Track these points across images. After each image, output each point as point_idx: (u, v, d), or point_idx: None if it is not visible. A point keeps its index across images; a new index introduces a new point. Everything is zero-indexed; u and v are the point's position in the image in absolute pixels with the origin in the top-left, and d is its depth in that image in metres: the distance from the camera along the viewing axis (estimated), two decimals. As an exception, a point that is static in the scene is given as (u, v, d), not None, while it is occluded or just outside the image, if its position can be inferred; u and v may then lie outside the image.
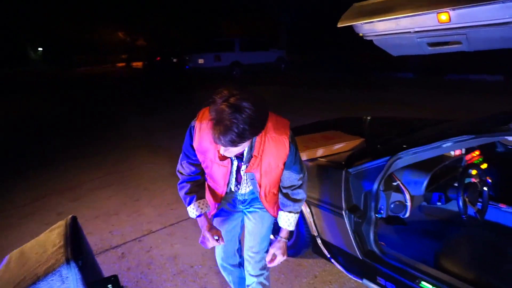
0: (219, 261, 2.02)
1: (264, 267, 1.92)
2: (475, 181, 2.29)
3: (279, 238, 1.77)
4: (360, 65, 16.35)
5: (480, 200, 2.28)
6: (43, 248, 1.02)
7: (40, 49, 36.25)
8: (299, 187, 1.72)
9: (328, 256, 2.37)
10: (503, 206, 2.49)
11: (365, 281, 2.16)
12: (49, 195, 4.28)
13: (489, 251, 2.12)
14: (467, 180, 2.24)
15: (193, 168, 1.73)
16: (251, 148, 1.55)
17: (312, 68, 17.96)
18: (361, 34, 1.91)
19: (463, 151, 2.38)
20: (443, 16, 1.50)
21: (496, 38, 1.51)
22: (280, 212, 1.77)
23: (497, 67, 11.24)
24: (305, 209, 2.42)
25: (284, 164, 1.61)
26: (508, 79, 10.59)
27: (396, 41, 1.79)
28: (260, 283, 1.92)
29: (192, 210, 1.70)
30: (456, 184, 2.25)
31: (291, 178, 1.68)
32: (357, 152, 2.32)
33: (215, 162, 1.63)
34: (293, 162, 1.63)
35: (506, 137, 2.15)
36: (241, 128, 1.24)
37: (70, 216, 1.14)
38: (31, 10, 26.90)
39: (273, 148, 1.55)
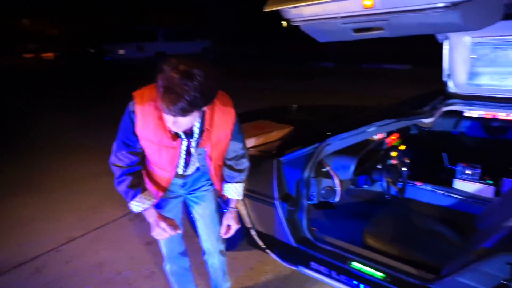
0: (167, 252, 1.94)
1: (222, 241, 2.02)
2: (395, 162, 2.43)
3: (230, 209, 1.80)
4: (286, 55, 16.81)
5: (400, 179, 2.44)
6: None
7: None
8: (243, 156, 1.74)
9: (263, 246, 2.35)
10: (419, 183, 2.70)
11: (300, 268, 2.17)
12: None
13: (409, 226, 2.27)
14: (389, 162, 2.37)
15: (133, 158, 1.58)
16: (202, 123, 1.53)
17: (241, 58, 18.01)
18: (288, 20, 1.88)
19: (385, 134, 2.51)
20: (367, 1, 1.51)
21: (415, 24, 1.57)
22: (228, 185, 1.78)
23: (406, 57, 12.38)
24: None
25: (232, 134, 1.63)
26: (416, 68, 11.68)
27: (322, 27, 1.79)
28: (221, 251, 2.04)
29: (138, 204, 1.57)
30: (379, 167, 2.37)
31: (235, 147, 1.69)
32: (287, 141, 2.32)
33: (164, 145, 1.55)
34: (237, 131, 1.65)
35: (421, 120, 2.30)
36: (192, 95, 1.21)
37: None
38: None
39: (221, 119, 1.56)
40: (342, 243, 2.11)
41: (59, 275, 2.52)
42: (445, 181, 2.68)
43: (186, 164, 1.71)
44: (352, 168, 2.21)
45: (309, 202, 2.18)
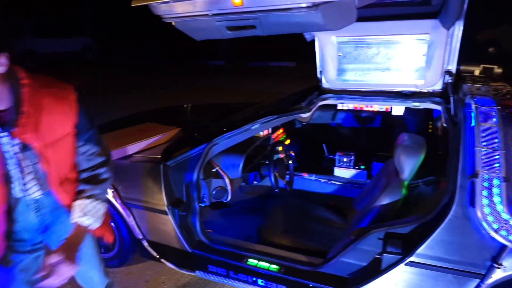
0: None
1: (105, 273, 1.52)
2: (282, 156, 2.54)
3: (63, 241, 1.16)
4: (173, 52, 16.41)
5: (287, 172, 2.55)
6: None
7: None
8: (102, 164, 1.26)
9: (157, 256, 2.22)
10: (305, 174, 2.88)
11: (198, 273, 2.12)
12: None
13: (299, 216, 2.40)
14: (275, 157, 2.46)
15: None
16: (17, 102, 1.07)
17: (124, 55, 16.95)
18: (159, 17, 1.78)
19: (270, 130, 2.60)
20: (236, -1, 1.51)
21: (283, 23, 1.63)
22: (74, 203, 1.22)
23: (291, 54, 13.24)
24: (124, 213, 2.18)
25: (75, 128, 1.19)
26: (299, 65, 12.57)
27: (196, 24, 1.74)
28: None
29: None
30: (267, 162, 2.44)
31: (89, 151, 1.23)
32: (173, 143, 2.23)
33: None
34: (87, 126, 1.22)
35: (300, 115, 2.44)
36: None
37: None
38: None
39: (54, 104, 1.13)
40: (238, 241, 2.12)
41: None
42: (327, 170, 2.92)
43: (22, 178, 1.16)
44: (241, 165, 2.23)
45: (201, 205, 2.13)
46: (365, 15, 2.13)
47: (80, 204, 1.21)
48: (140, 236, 2.22)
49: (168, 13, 1.69)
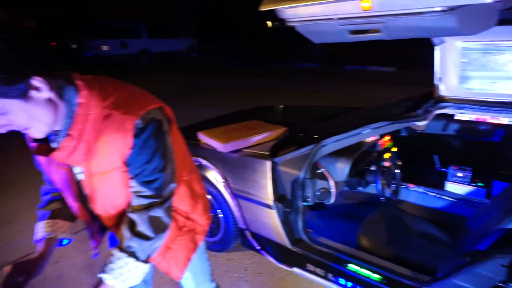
0: None
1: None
2: (388, 164, 2.46)
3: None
4: (267, 54, 16.85)
5: (393, 182, 2.46)
6: None
7: None
8: (144, 208, 1.03)
9: (258, 247, 2.33)
10: (411, 185, 2.73)
11: (295, 269, 2.17)
12: None
13: (403, 228, 2.30)
14: (382, 164, 2.39)
15: (45, 176, 1.27)
16: (69, 124, 0.97)
17: (222, 56, 17.96)
18: (283, 20, 1.87)
19: (377, 136, 2.53)
20: (365, 3, 1.51)
21: (412, 27, 1.58)
22: (113, 251, 1.05)
23: (391, 59, 12.59)
24: (232, 202, 2.34)
25: (126, 164, 1.02)
26: (399, 70, 11.89)
27: (318, 28, 1.78)
28: None
29: (37, 231, 1.20)
30: (373, 168, 2.38)
31: (133, 189, 1.05)
32: (281, 142, 2.31)
33: (51, 162, 1.10)
34: (138, 165, 1.01)
35: (415, 123, 2.33)
36: None
37: None
38: None
39: (107, 132, 0.98)
40: (338, 245, 2.11)
41: (46, 276, 2.44)
42: (437, 183, 2.73)
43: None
44: (347, 170, 2.22)
45: (305, 204, 2.17)
46: (504, 18, 1.94)
47: (111, 257, 1.04)
48: (244, 226, 2.36)
49: (292, 17, 1.77)
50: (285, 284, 2.37)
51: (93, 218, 1.23)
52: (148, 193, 1.03)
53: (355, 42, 1.85)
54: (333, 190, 2.19)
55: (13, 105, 0.86)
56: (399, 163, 2.60)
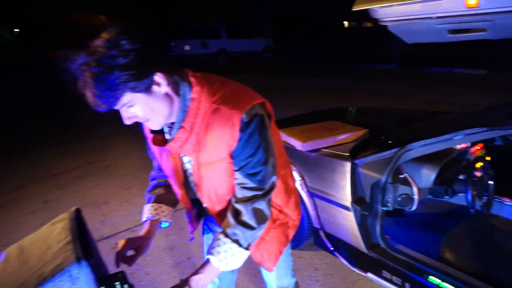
0: None
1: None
2: (480, 174, 2.27)
3: (188, 279, 1.10)
4: (343, 54, 16.45)
5: (485, 193, 2.27)
6: (46, 244, 0.90)
7: (16, 30, 34.75)
8: (248, 199, 1.10)
9: (331, 249, 2.32)
10: (506, 200, 2.49)
11: (370, 275, 2.12)
12: (31, 183, 4.09)
13: (492, 244, 2.11)
14: (473, 173, 2.21)
15: (155, 163, 1.39)
16: (183, 117, 1.07)
17: (295, 57, 17.93)
18: (375, 20, 1.83)
19: (469, 144, 2.35)
20: (472, 1, 1.42)
21: (524, 26, 1.45)
22: (219, 235, 1.14)
23: (479, 60, 11.48)
24: (308, 201, 2.35)
25: (232, 156, 1.08)
26: (491, 73, 10.79)
27: (414, 27, 1.71)
28: None
29: (144, 212, 1.33)
30: (462, 177, 2.22)
31: (237, 181, 1.11)
32: (362, 143, 2.26)
33: (162, 151, 1.21)
34: (243, 157, 1.07)
35: (515, 131, 2.12)
36: (83, 80, 0.92)
37: (74, 208, 1.02)
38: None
39: (215, 125, 1.05)
40: (419, 254, 2.01)
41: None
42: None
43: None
44: (433, 177, 2.10)
45: (384, 208, 2.11)
46: None
47: (218, 241, 1.12)
48: (318, 226, 2.36)
49: (387, 16, 1.72)
50: (358, 288, 2.33)
51: (193, 205, 1.33)
52: (252, 185, 1.09)
53: (437, 43, 1.75)
54: (415, 197, 2.09)
55: (139, 98, 0.96)
56: (492, 174, 2.38)
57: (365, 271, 2.14)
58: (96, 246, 1.20)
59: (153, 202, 1.33)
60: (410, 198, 2.11)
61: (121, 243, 1.20)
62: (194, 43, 15.24)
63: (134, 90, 0.94)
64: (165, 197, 1.35)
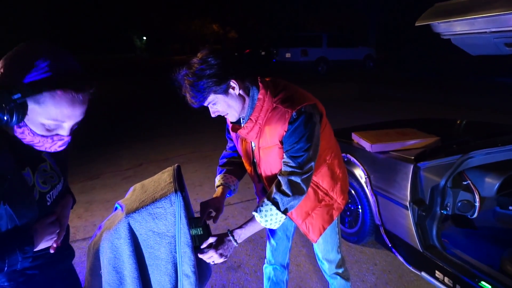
0: (268, 256, 1.94)
1: (339, 265, 1.83)
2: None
3: (233, 231, 1.44)
4: (452, 66, 15.12)
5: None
6: (157, 182, 1.39)
7: (144, 38, 40.08)
8: (288, 174, 1.40)
9: (390, 245, 2.48)
10: None
11: (424, 274, 2.23)
12: (145, 163, 4.99)
13: None
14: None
15: (231, 144, 1.78)
16: (251, 112, 1.44)
17: (399, 66, 17.11)
18: (438, 34, 1.99)
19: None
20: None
21: None
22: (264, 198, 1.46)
23: None
24: (371, 198, 2.55)
25: (281, 142, 1.44)
26: None
27: (472, 41, 1.83)
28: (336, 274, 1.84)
29: (216, 181, 1.69)
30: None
31: (283, 160, 1.44)
32: (428, 149, 2.38)
33: (239, 136, 1.58)
34: (289, 142, 1.40)
35: None
36: (184, 86, 1.35)
37: (176, 165, 1.50)
38: (138, 2, 29.81)
39: (273, 119, 1.42)
40: (474, 260, 2.06)
41: (218, 227, 3.19)
42: None
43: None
44: (497, 186, 2.12)
45: (443, 212, 2.20)
46: None
47: (262, 204, 1.43)
48: (379, 223, 2.54)
49: (447, 31, 1.88)
50: (412, 285, 2.43)
51: (259, 180, 1.70)
52: (292, 164, 1.40)
53: None
54: (477, 204, 2.14)
55: (219, 98, 1.37)
56: None
57: (419, 269, 2.26)
58: (188, 194, 1.66)
59: (223, 174, 1.71)
60: (471, 205, 2.17)
61: (204, 203, 1.62)
62: (295, 51, 15.77)
63: (216, 92, 1.34)
64: (233, 170, 1.73)
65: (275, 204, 1.40)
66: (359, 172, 2.65)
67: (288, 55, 15.84)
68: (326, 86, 11.83)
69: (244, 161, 1.70)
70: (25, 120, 0.91)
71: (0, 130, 0.96)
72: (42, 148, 0.99)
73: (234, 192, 1.72)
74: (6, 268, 0.93)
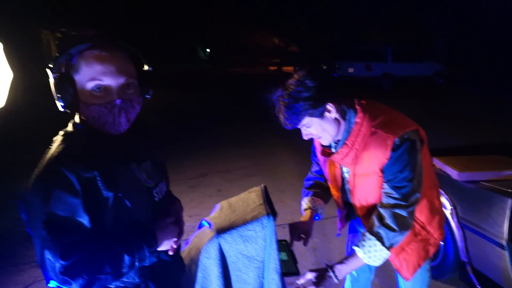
0: (346, 287, 1.83)
1: None
2: None
3: (333, 266, 1.36)
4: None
5: None
6: (245, 203, 1.36)
7: (208, 50, 41.79)
8: (391, 206, 1.31)
9: (478, 287, 2.23)
10: None
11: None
12: (209, 174, 5.09)
13: None
14: None
15: (317, 168, 1.72)
16: (346, 136, 1.36)
17: (474, 83, 15.88)
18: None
19: None
20: None
21: None
22: (366, 233, 1.37)
23: None
24: (457, 232, 2.33)
25: (382, 171, 1.33)
26: None
27: None
28: None
29: (303, 204, 1.66)
30: None
31: (384, 190, 1.34)
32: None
33: (327, 160, 1.52)
34: (392, 171, 1.30)
35: None
36: (278, 107, 1.32)
37: (263, 184, 1.46)
38: (202, 15, 31.14)
39: (371, 145, 1.32)
40: None
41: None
42: None
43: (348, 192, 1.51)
44: None
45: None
46: None
47: (364, 240, 1.34)
48: (466, 260, 2.30)
49: None
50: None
51: (345, 206, 1.63)
52: (396, 196, 1.30)
53: None
54: None
55: (314, 121, 1.32)
56: None
57: (516, 318, 2.00)
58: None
59: (310, 197, 1.66)
60: None
61: (293, 226, 1.57)
62: (358, 65, 15.36)
63: (312, 115, 1.30)
64: (320, 194, 1.67)
65: (379, 239, 1.31)
66: (444, 202, 2.44)
67: (350, 69, 15.46)
68: (389, 103, 11.32)
69: (331, 186, 1.63)
70: (80, 97, 0.98)
71: (91, 131, 1.01)
72: (111, 128, 1.00)
73: (321, 216, 1.66)
74: (137, 263, 0.96)
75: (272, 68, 33.67)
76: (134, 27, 20.10)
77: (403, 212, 1.30)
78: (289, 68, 28.49)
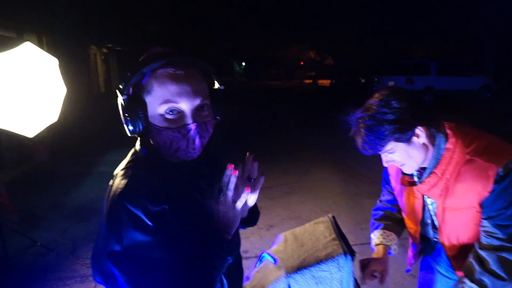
0: None
1: None
2: None
3: None
4: None
5: None
6: (315, 236, 1.21)
7: (243, 63, 42.41)
8: (495, 249, 1.12)
9: None
10: None
11: None
12: (250, 190, 4.96)
13: None
14: None
15: (389, 197, 1.56)
16: (435, 164, 1.19)
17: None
18: None
19: None
20: None
21: None
22: (462, 277, 1.20)
23: None
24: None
25: (481, 206, 1.14)
26: None
27: None
28: None
29: (373, 238, 1.49)
30: None
31: (485, 228, 1.16)
32: None
33: (405, 190, 1.37)
34: (496, 207, 1.11)
35: None
36: (356, 129, 1.19)
37: (331, 214, 1.31)
38: (238, 29, 31.58)
39: (467, 175, 1.13)
40: None
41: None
42: None
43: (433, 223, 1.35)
44: None
45: None
46: None
47: (461, 284, 1.18)
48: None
49: None
50: None
51: (421, 241, 1.44)
52: (501, 236, 1.12)
53: None
54: None
55: (399, 147, 1.16)
56: None
57: None
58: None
59: (381, 230, 1.49)
60: None
61: (365, 262, 1.39)
62: (398, 79, 14.87)
63: (398, 140, 1.14)
64: (392, 226, 1.50)
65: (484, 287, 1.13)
66: None
67: (391, 83, 14.93)
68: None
69: (407, 218, 1.45)
70: (150, 120, 0.88)
71: (155, 157, 0.92)
72: (182, 154, 0.89)
73: (395, 252, 1.47)
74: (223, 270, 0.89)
75: (307, 81, 33.47)
76: (167, 40, 20.66)
77: (510, 256, 1.10)
78: (324, 82, 28.23)
